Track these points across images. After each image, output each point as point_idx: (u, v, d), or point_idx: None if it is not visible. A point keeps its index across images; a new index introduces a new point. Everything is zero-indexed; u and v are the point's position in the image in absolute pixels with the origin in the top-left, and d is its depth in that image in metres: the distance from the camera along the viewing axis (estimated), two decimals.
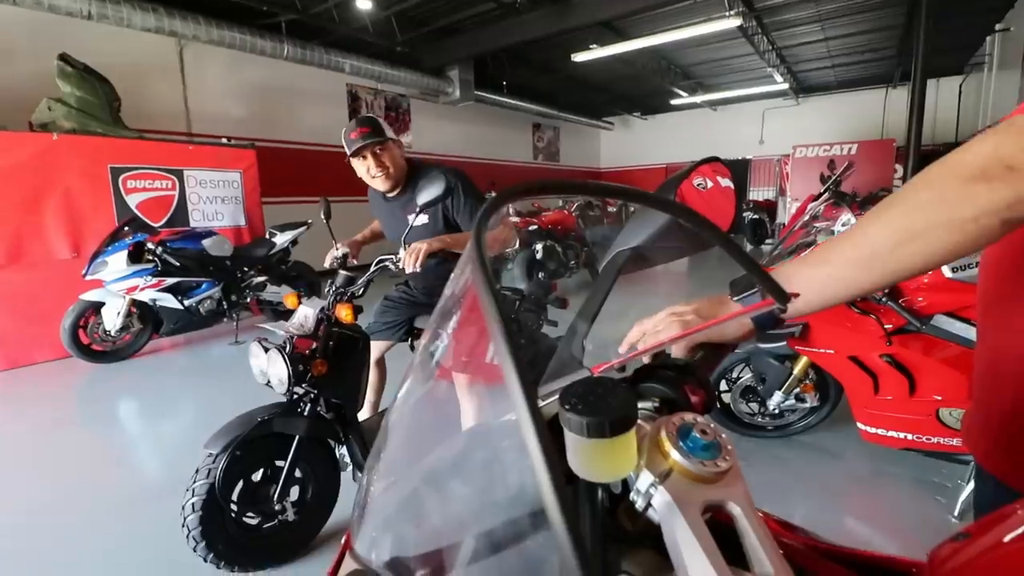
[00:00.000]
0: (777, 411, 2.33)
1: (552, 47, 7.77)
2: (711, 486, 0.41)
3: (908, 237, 0.49)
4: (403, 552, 0.40)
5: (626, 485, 0.45)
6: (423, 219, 1.87)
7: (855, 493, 2.16)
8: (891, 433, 2.00)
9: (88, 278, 3.81)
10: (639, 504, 0.42)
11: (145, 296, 3.92)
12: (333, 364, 1.69)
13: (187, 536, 1.51)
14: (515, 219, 7.95)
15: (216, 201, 5.08)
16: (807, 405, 2.32)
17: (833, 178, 4.44)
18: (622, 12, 6.34)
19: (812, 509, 2.02)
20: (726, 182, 0.67)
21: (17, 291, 3.93)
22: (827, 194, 2.57)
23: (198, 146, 5.10)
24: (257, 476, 1.65)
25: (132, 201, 4.50)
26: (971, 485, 1.77)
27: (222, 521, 1.56)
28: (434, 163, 2.00)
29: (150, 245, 3.95)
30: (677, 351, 0.62)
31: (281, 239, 4.78)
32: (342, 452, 1.81)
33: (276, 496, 1.62)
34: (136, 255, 3.84)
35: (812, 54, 9.30)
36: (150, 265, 3.90)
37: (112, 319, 3.86)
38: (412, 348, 2.21)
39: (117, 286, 3.80)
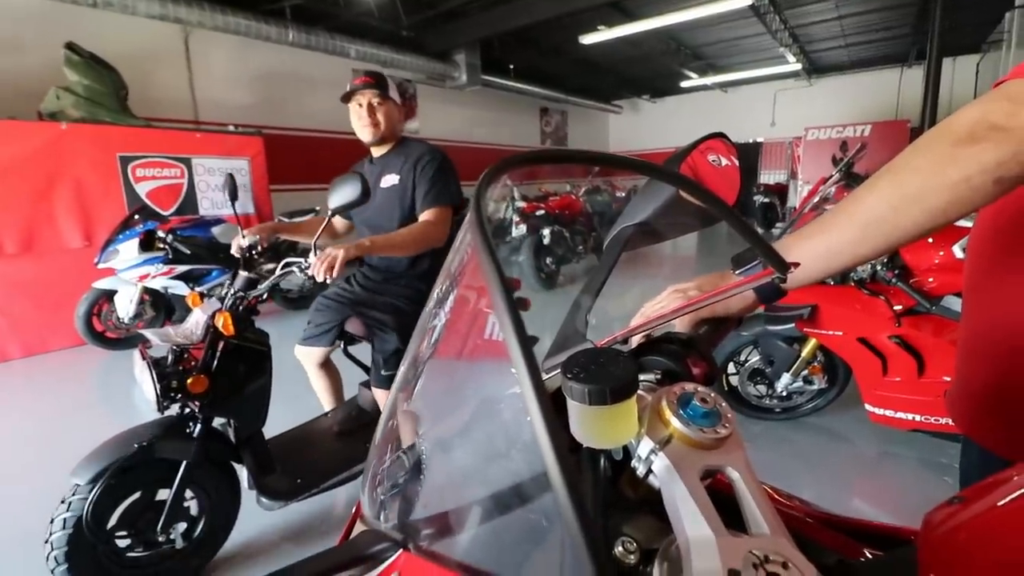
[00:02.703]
0: (785, 393, 2.33)
1: (560, 29, 7.66)
2: (710, 452, 0.42)
3: (904, 202, 0.49)
4: (409, 514, 0.42)
5: (628, 454, 0.46)
6: (393, 180, 1.83)
7: (862, 474, 2.17)
8: (899, 414, 2.00)
9: (100, 266, 3.86)
10: (640, 470, 0.43)
11: (157, 284, 3.97)
12: (223, 379, 1.52)
13: (51, 568, 1.36)
14: (522, 203, 7.90)
15: (224, 188, 5.09)
16: (815, 387, 2.32)
17: (845, 160, 4.38)
18: None
19: (819, 489, 2.03)
20: (730, 160, 0.67)
21: (31, 280, 4.00)
22: (839, 176, 2.53)
23: (205, 134, 5.12)
24: (136, 504, 1.49)
25: (142, 190, 4.53)
26: None
27: (94, 553, 1.41)
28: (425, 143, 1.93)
29: (160, 233, 3.99)
30: (681, 326, 0.63)
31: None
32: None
33: (161, 525, 1.48)
34: (147, 243, 3.88)
35: (825, 33, 9.09)
36: (161, 253, 3.94)
37: (125, 307, 3.92)
38: (346, 354, 2.05)
39: (129, 274, 3.85)
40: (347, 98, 1.81)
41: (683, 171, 0.61)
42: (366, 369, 2.13)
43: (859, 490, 2.08)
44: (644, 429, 0.42)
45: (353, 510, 0.51)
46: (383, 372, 1.75)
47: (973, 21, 8.12)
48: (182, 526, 1.55)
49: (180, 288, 4.09)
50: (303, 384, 2.40)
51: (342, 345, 1.97)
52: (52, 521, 1.37)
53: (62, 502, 1.37)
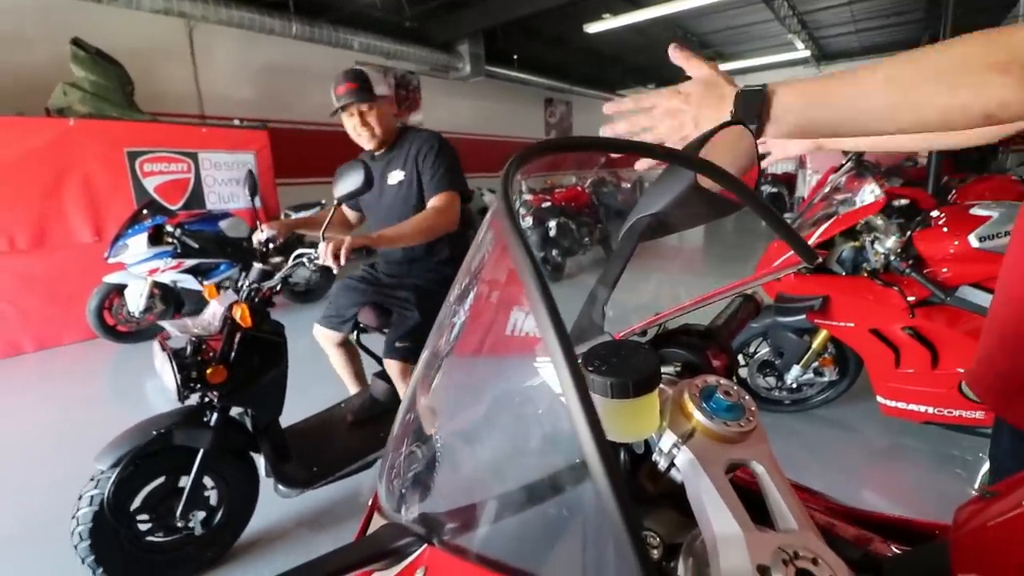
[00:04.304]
0: (795, 385, 2.32)
1: (564, 18, 7.57)
2: (734, 446, 0.41)
3: (904, 105, 0.48)
4: (432, 508, 0.41)
5: (648, 447, 0.46)
6: (399, 176, 1.82)
7: (874, 466, 2.16)
8: (912, 407, 1.98)
9: (111, 261, 3.88)
10: (661, 464, 0.42)
11: (166, 278, 3.99)
12: (240, 369, 1.55)
13: (75, 547, 1.41)
14: (528, 196, 7.87)
15: (231, 183, 5.11)
16: (826, 379, 2.30)
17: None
18: None
19: (830, 482, 2.02)
20: (747, 135, 0.66)
21: (42, 275, 4.03)
22: (850, 165, 2.49)
23: (211, 128, 5.11)
24: (158, 490, 1.54)
25: (149, 184, 4.55)
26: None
27: (116, 537, 1.45)
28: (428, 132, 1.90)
29: (169, 228, 4.01)
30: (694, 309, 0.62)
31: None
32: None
33: (180, 512, 1.52)
34: (156, 237, 3.90)
35: (835, 19, 8.95)
36: (169, 247, 3.96)
37: (135, 300, 3.94)
38: (359, 344, 2.07)
39: (139, 268, 3.87)
40: (336, 110, 1.78)
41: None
42: (378, 360, 2.14)
43: (871, 483, 2.06)
44: (666, 422, 0.42)
45: (369, 502, 0.51)
46: (396, 344, 1.75)
47: (987, 4, 7.96)
48: (201, 514, 1.58)
49: (189, 282, 4.11)
50: (313, 375, 2.42)
51: (356, 336, 1.98)
52: (80, 497, 1.42)
53: (91, 480, 1.43)
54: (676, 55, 0.69)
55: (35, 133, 3.98)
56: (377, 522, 0.45)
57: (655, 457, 0.43)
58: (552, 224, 5.83)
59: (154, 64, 5.70)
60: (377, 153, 1.90)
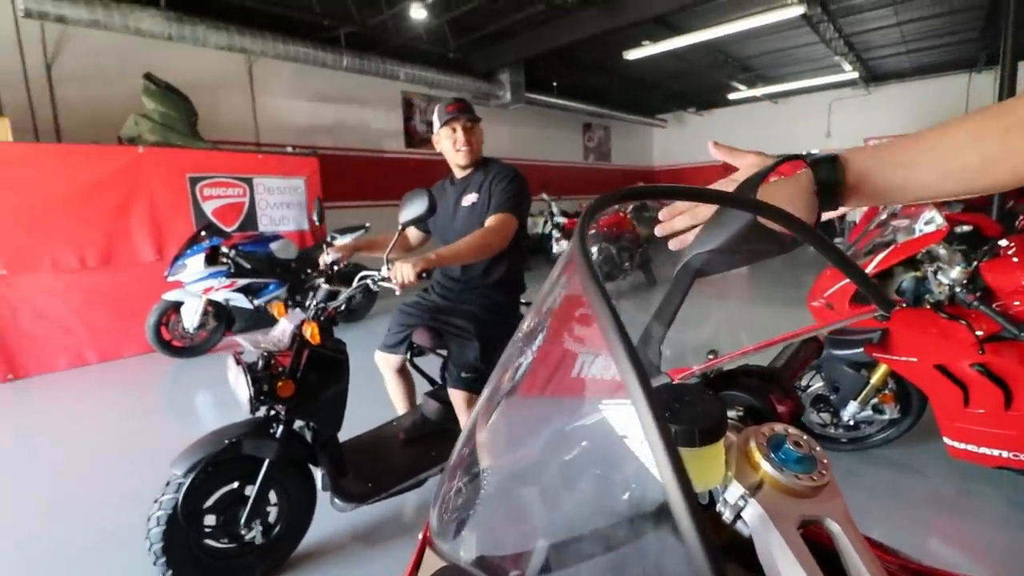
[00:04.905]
0: (852, 423, 2.19)
1: (603, 46, 7.67)
2: (806, 500, 0.39)
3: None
4: (492, 551, 0.41)
5: (711, 497, 0.44)
6: (473, 198, 1.91)
7: (940, 514, 2.00)
8: (983, 450, 1.84)
9: (170, 279, 4.11)
10: (727, 516, 0.40)
11: (219, 296, 4.19)
12: (306, 384, 1.61)
13: (149, 549, 1.48)
14: (563, 219, 7.87)
15: (282, 206, 5.36)
16: (886, 417, 2.16)
17: None
18: (676, 6, 6.17)
19: (892, 529, 1.88)
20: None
21: (108, 291, 4.30)
22: None
23: (266, 155, 5.40)
24: (225, 498, 1.60)
25: (208, 208, 4.82)
26: None
27: (186, 541, 1.52)
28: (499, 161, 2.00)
29: (224, 248, 4.22)
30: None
31: (341, 242, 4.97)
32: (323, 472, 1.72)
33: (244, 520, 1.58)
34: (212, 258, 4.11)
35: (884, 40, 8.70)
36: (224, 267, 4.17)
37: (190, 317, 4.15)
38: (412, 365, 2.12)
39: (195, 287, 4.08)
40: (442, 125, 1.90)
41: (760, 195, 0.59)
42: (431, 380, 2.19)
43: (937, 532, 1.91)
44: (732, 472, 0.40)
45: (421, 536, 0.51)
46: (462, 375, 1.80)
47: None
48: (262, 525, 1.64)
49: (240, 300, 4.30)
50: (358, 394, 2.47)
51: (409, 356, 2.04)
52: (156, 501, 1.49)
53: (167, 484, 1.50)
54: (717, 152, 0.67)
55: (108, 160, 4.30)
56: (431, 558, 0.45)
57: (719, 508, 0.41)
58: (592, 250, 5.81)
59: (216, 96, 6.10)
60: (458, 177, 2.01)
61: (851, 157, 0.51)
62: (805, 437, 0.41)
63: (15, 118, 4.13)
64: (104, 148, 4.39)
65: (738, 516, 0.40)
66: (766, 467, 0.39)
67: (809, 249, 0.51)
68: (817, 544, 0.39)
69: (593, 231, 6.11)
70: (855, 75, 9.82)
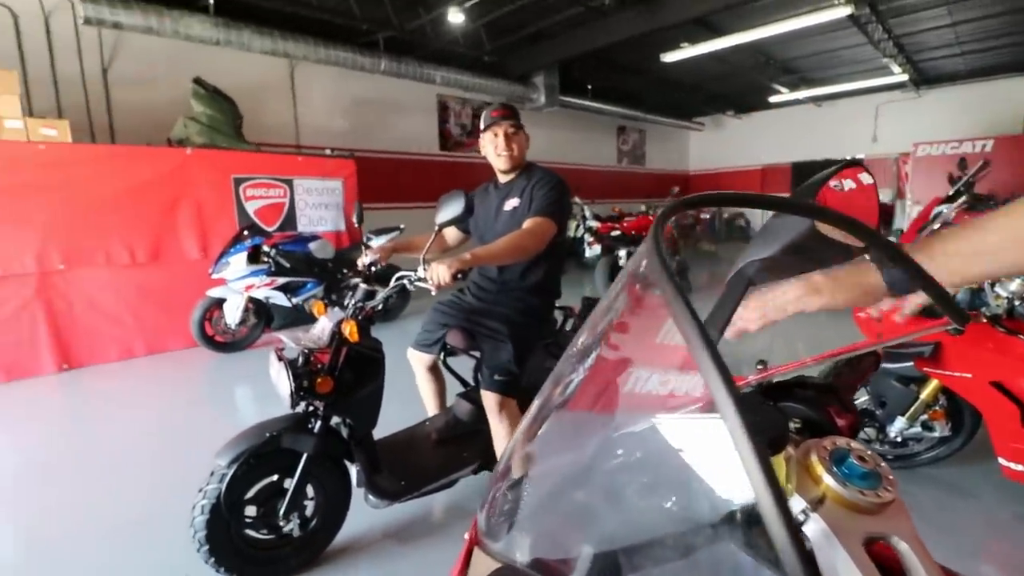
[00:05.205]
0: (899, 439, 2.10)
1: (640, 47, 7.58)
2: (871, 517, 0.38)
3: None
4: (547, 554, 0.41)
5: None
6: (515, 203, 1.92)
7: (993, 538, 1.90)
8: None
9: (214, 276, 4.27)
10: None
11: (260, 294, 4.33)
12: (344, 381, 1.65)
13: (193, 536, 1.54)
14: (595, 223, 7.80)
15: (320, 207, 5.50)
16: (936, 434, 2.06)
17: (964, 179, 3.95)
18: (716, 7, 6.05)
19: (943, 552, 1.78)
20: (868, 179, 0.62)
21: (156, 286, 4.49)
22: (964, 197, 2.27)
23: (306, 157, 5.56)
24: (265, 490, 1.65)
25: (250, 207, 4.99)
26: None
27: (227, 529, 1.57)
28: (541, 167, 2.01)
29: (265, 247, 4.36)
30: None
31: (376, 243, 5.06)
32: (357, 469, 1.76)
33: (283, 512, 1.63)
34: (254, 256, 4.25)
35: (937, 41, 8.32)
36: (265, 266, 4.30)
37: (232, 314, 4.30)
38: (445, 365, 2.13)
39: (237, 284, 4.23)
40: (485, 129, 1.92)
41: (819, 200, 0.58)
42: (463, 381, 2.20)
43: (990, 557, 1.81)
44: (792, 485, 0.39)
45: (468, 536, 0.51)
46: (495, 377, 1.81)
47: None
48: (299, 518, 1.69)
49: (279, 298, 4.43)
50: (390, 392, 2.52)
51: (442, 356, 2.06)
52: (200, 491, 1.56)
53: (211, 475, 1.57)
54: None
55: (158, 161, 4.50)
56: (482, 559, 0.45)
57: None
58: (622, 253, 5.76)
59: (260, 99, 6.30)
60: (502, 182, 2.03)
61: (917, 256, 0.50)
62: (870, 452, 0.40)
63: (73, 120, 4.36)
64: (155, 149, 4.59)
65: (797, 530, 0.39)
66: (829, 481, 0.38)
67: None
68: (880, 563, 0.38)
69: (618, 232, 6.05)
70: (904, 77, 9.42)
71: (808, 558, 0.18)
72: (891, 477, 0.39)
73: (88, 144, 4.69)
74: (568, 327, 2.21)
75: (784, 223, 0.57)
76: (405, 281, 1.62)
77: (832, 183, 0.57)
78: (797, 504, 0.39)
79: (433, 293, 1.58)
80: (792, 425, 0.50)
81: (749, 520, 0.38)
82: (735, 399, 0.20)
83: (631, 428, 0.41)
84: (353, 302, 1.70)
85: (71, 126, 4.17)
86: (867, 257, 0.52)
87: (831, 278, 0.54)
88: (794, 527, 0.19)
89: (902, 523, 0.38)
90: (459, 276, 1.51)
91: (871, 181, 0.61)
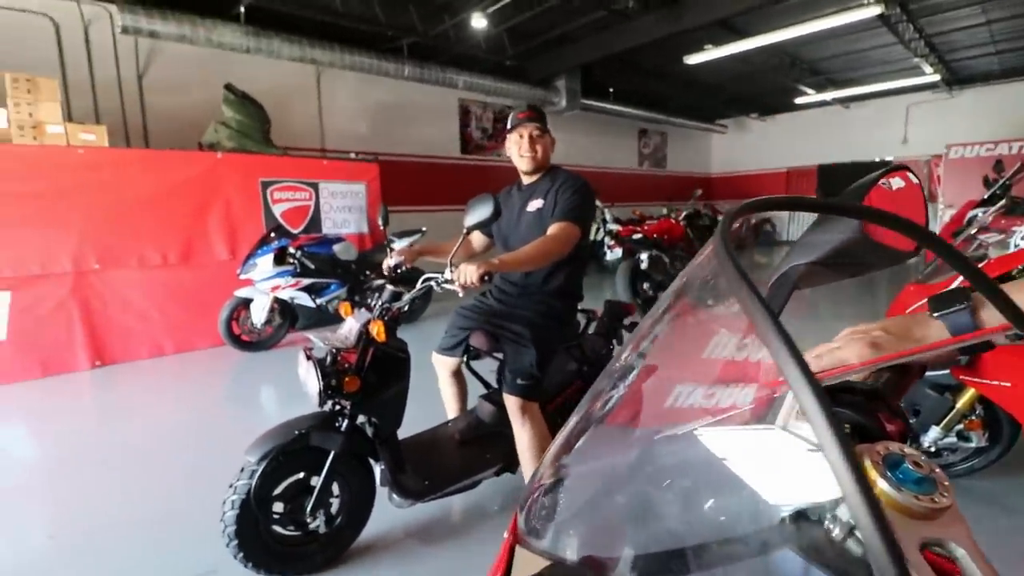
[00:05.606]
0: (933, 449, 2.04)
1: (663, 50, 7.54)
2: (926, 523, 0.38)
3: None
4: (598, 552, 0.41)
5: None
6: (538, 204, 1.92)
7: None
8: None
9: (241, 277, 4.37)
10: (836, 533, 0.39)
11: (285, 294, 4.41)
12: (370, 381, 1.67)
13: (223, 531, 1.57)
14: (616, 226, 7.74)
15: (344, 210, 5.59)
16: (972, 445, 2.00)
17: (1001, 181, 3.83)
18: (740, 9, 5.98)
19: None
20: (914, 179, 0.62)
21: (187, 286, 4.61)
22: (1006, 201, 2.20)
23: (331, 161, 5.66)
24: (292, 487, 1.68)
25: (277, 210, 5.09)
26: None
27: (256, 525, 1.60)
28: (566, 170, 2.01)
29: (291, 249, 4.45)
30: (857, 373, 0.58)
31: (399, 245, 5.13)
32: (382, 468, 1.77)
33: (309, 509, 1.65)
34: (280, 258, 4.34)
35: (970, 40, 8.08)
36: (290, 267, 4.39)
37: (259, 314, 4.39)
38: (468, 368, 2.14)
39: (264, 285, 4.32)
40: (511, 130, 1.94)
41: (865, 203, 0.57)
42: (485, 384, 2.21)
43: None
44: None
45: (508, 534, 0.52)
46: (518, 381, 1.81)
47: None
48: (325, 515, 1.72)
49: (304, 299, 4.51)
50: (411, 393, 2.54)
51: (465, 358, 2.07)
52: (231, 487, 1.59)
53: (241, 471, 1.60)
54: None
55: (189, 164, 4.63)
56: (524, 555, 0.46)
57: (827, 525, 0.40)
58: (644, 256, 5.71)
59: (287, 105, 6.44)
60: (525, 184, 2.04)
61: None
62: (924, 458, 0.40)
63: (109, 125, 4.51)
64: (186, 154, 4.73)
65: (849, 534, 0.39)
66: (883, 486, 0.38)
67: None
68: (936, 569, 0.37)
69: (640, 235, 5.99)
70: (936, 77, 9.18)
71: (900, 556, 0.19)
72: (947, 483, 0.39)
73: (124, 148, 4.86)
74: (591, 330, 2.20)
75: (830, 226, 0.56)
76: (432, 283, 1.64)
77: (880, 182, 0.57)
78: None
79: (460, 295, 1.60)
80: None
81: (807, 523, 0.38)
82: (823, 403, 0.21)
83: (684, 433, 0.41)
84: (380, 303, 1.73)
85: (107, 131, 4.32)
86: (934, 315, 0.51)
87: (891, 335, 0.52)
88: (886, 525, 0.19)
89: (959, 529, 0.37)
90: (486, 278, 1.52)
91: (917, 181, 0.60)
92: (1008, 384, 1.74)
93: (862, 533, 0.20)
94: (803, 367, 0.21)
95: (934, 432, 1.99)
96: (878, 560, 0.19)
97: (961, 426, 1.98)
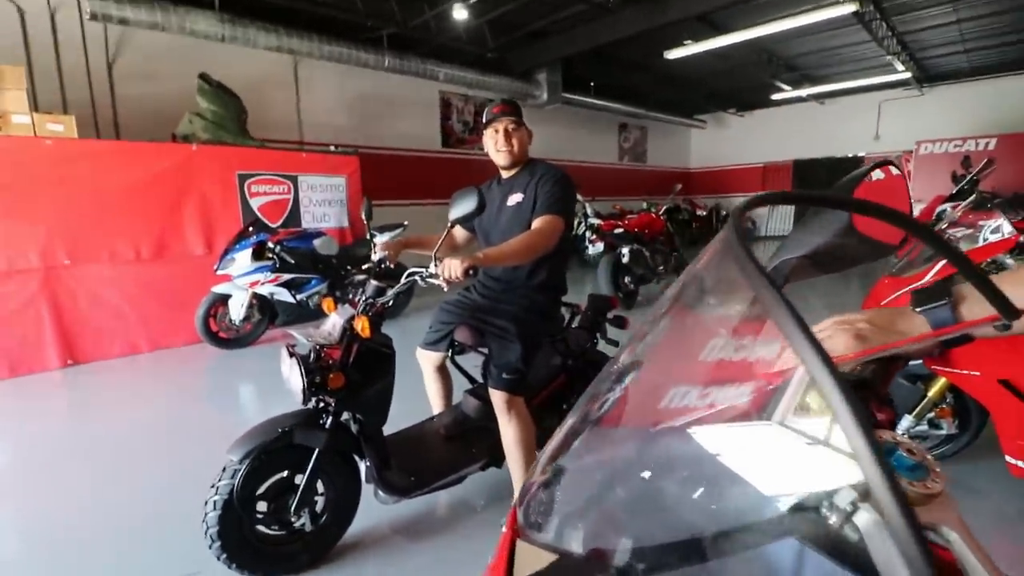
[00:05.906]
0: (906, 436, 2.11)
1: (643, 45, 7.58)
2: (920, 508, 0.39)
3: None
4: (605, 544, 0.42)
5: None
6: (518, 198, 1.91)
7: (1002, 535, 1.91)
8: None
9: (219, 273, 4.27)
10: (833, 520, 0.40)
11: (264, 290, 4.33)
12: (354, 377, 1.65)
13: (205, 533, 1.54)
14: (597, 221, 7.78)
15: (324, 204, 5.50)
16: (942, 432, 2.08)
17: (969, 177, 3.96)
18: (720, 4, 6.04)
19: None
20: (896, 171, 0.63)
21: (162, 282, 4.49)
22: (974, 196, 2.28)
23: (310, 154, 5.55)
24: (276, 485, 1.66)
25: (255, 204, 4.99)
26: None
27: (239, 524, 1.58)
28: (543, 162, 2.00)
29: (270, 244, 4.36)
30: (845, 365, 0.59)
31: (381, 240, 5.06)
32: (367, 465, 1.75)
33: (293, 507, 1.63)
34: (258, 253, 4.25)
35: (941, 39, 8.31)
36: (270, 262, 4.31)
37: (237, 310, 4.30)
38: (453, 363, 2.14)
39: (242, 280, 4.23)
40: (486, 125, 1.93)
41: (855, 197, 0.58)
42: (470, 379, 2.20)
43: (999, 554, 1.82)
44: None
45: (506, 529, 0.52)
46: (503, 376, 1.81)
47: None
48: (310, 513, 1.69)
49: (283, 295, 4.43)
50: (395, 389, 2.52)
51: (450, 353, 2.06)
52: (213, 486, 1.56)
53: (223, 470, 1.57)
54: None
55: (163, 157, 4.49)
56: (526, 549, 0.46)
57: (824, 512, 0.41)
58: (625, 251, 5.75)
59: (264, 95, 6.29)
60: (504, 178, 2.03)
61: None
62: (916, 445, 0.41)
63: (78, 115, 4.35)
64: (160, 145, 4.58)
65: (846, 520, 0.40)
66: None
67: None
68: (935, 556, 0.39)
69: (621, 229, 6.03)
70: (907, 75, 9.42)
71: (924, 541, 0.19)
72: (938, 470, 0.40)
73: (94, 140, 4.69)
74: (575, 324, 2.21)
75: (819, 221, 0.57)
76: (417, 277, 1.62)
77: (868, 177, 0.58)
78: (847, 495, 0.39)
79: (445, 289, 1.58)
80: None
81: (806, 512, 0.39)
82: (844, 391, 0.21)
83: (687, 429, 0.42)
84: (364, 298, 1.71)
85: (76, 121, 4.16)
86: (916, 310, 0.52)
87: (876, 327, 0.53)
88: (908, 507, 0.19)
89: (951, 513, 0.39)
90: (471, 273, 1.51)
91: (901, 175, 0.62)
92: (977, 373, 1.81)
93: (888, 521, 0.20)
94: (825, 358, 0.22)
95: (907, 420, 2.05)
96: (903, 545, 0.19)
97: (932, 414, 2.05)
